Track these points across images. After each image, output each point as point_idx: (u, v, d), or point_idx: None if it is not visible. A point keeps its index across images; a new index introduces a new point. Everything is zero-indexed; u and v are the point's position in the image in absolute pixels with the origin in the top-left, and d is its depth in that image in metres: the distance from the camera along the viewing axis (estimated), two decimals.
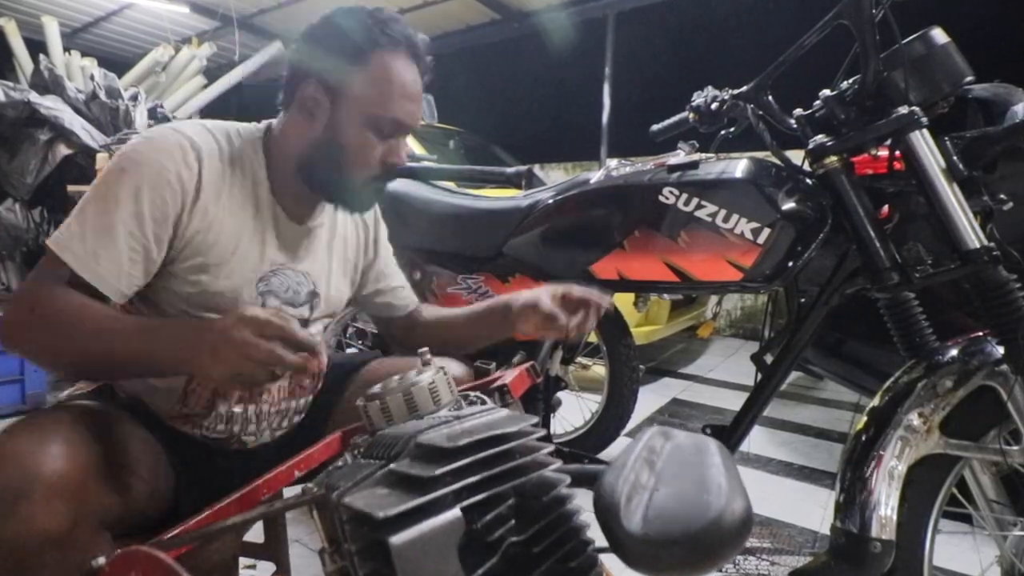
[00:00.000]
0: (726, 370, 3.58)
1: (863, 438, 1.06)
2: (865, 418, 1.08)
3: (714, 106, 1.31)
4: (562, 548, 0.60)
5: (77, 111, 3.40)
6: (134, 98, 3.60)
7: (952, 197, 1.03)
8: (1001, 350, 1.01)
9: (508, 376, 0.91)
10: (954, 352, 1.06)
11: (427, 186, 1.82)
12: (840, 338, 1.93)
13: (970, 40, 1.16)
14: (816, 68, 1.24)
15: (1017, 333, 0.97)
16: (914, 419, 1.03)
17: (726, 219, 1.21)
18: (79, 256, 0.79)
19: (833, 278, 1.20)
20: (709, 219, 1.22)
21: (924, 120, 1.05)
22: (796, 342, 1.24)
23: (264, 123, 0.99)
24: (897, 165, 1.12)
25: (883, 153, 1.13)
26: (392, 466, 0.57)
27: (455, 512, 0.53)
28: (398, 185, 1.81)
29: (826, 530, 1.16)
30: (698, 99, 1.35)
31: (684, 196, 1.25)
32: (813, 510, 1.88)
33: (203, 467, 0.94)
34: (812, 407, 2.89)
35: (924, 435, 1.03)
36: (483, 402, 0.77)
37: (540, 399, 1.63)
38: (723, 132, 1.36)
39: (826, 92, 1.15)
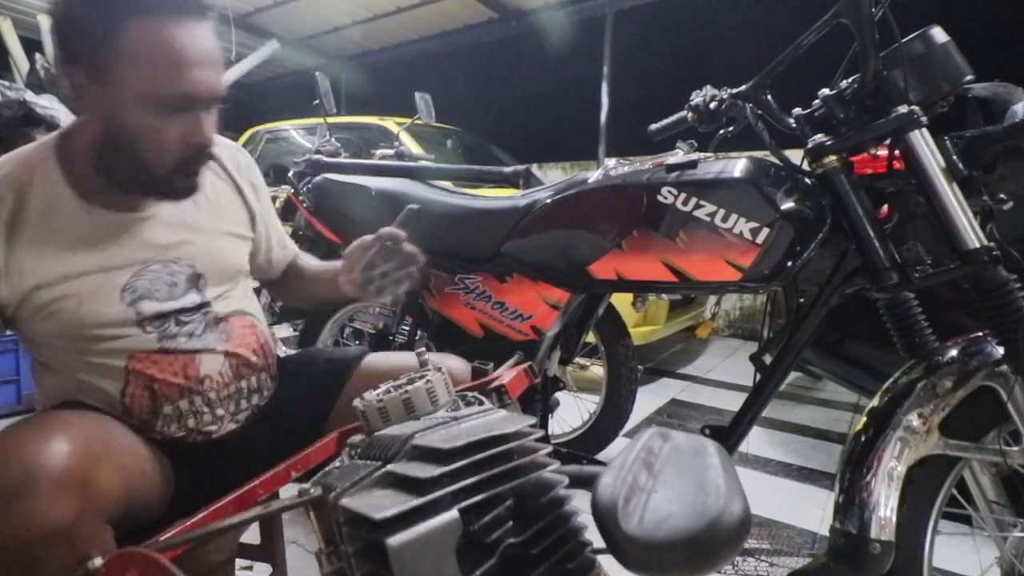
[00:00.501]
0: (725, 370, 3.58)
1: (862, 439, 1.06)
2: (864, 419, 1.08)
3: (713, 105, 1.31)
4: (560, 549, 0.59)
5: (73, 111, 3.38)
6: None
7: (952, 197, 1.03)
8: (1001, 350, 1.01)
9: (506, 376, 0.91)
10: (954, 352, 1.06)
11: (424, 186, 1.82)
12: (839, 338, 1.93)
13: (970, 39, 1.16)
14: (815, 67, 1.23)
15: (1017, 333, 0.97)
16: (914, 420, 1.03)
17: (725, 219, 1.20)
18: None
19: (832, 278, 1.20)
20: (708, 219, 1.22)
21: (924, 119, 1.04)
22: (795, 342, 1.23)
23: (56, 132, 0.90)
24: (896, 165, 1.11)
25: (882, 152, 1.13)
26: (389, 467, 0.57)
27: (452, 513, 0.53)
28: (395, 185, 1.81)
29: (825, 531, 1.16)
30: (697, 98, 1.35)
31: (683, 196, 1.25)
32: (812, 511, 1.88)
33: (185, 464, 0.93)
34: (811, 408, 2.89)
35: (924, 436, 1.03)
36: (481, 403, 0.77)
37: (538, 399, 1.62)
38: (722, 131, 1.35)
39: (825, 91, 1.14)
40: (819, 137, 1.14)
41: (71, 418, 0.78)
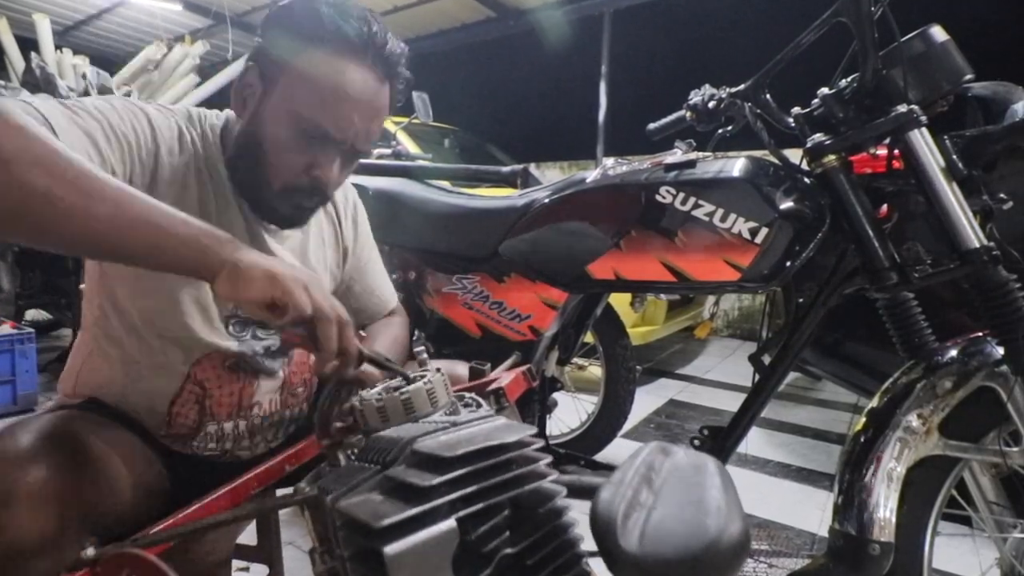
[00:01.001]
0: (723, 371, 3.58)
1: (862, 439, 1.06)
2: (864, 419, 1.08)
3: (711, 104, 1.30)
4: (556, 560, 0.59)
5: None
6: (127, 96, 3.58)
7: (951, 196, 1.02)
8: (1001, 350, 1.00)
9: (505, 379, 0.90)
10: (953, 353, 1.05)
11: (422, 185, 1.81)
12: (838, 338, 1.93)
13: (969, 38, 1.16)
14: (814, 66, 1.23)
15: (1017, 333, 0.97)
16: (913, 420, 1.03)
17: (723, 218, 1.20)
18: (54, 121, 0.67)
19: (831, 278, 1.19)
20: (706, 218, 1.21)
21: (923, 119, 1.04)
22: (794, 342, 1.23)
23: (212, 118, 0.90)
24: (896, 164, 1.11)
25: (882, 152, 1.13)
26: (388, 472, 0.57)
27: (450, 523, 0.53)
28: (392, 184, 1.80)
29: (824, 532, 1.16)
30: (695, 97, 1.34)
31: (681, 195, 1.24)
32: (811, 512, 1.88)
33: (195, 477, 0.92)
34: (810, 408, 2.89)
35: (923, 436, 1.02)
36: (479, 404, 0.76)
37: (536, 400, 1.62)
38: (720, 131, 1.35)
39: (824, 90, 1.14)
40: (818, 136, 1.14)
41: (62, 426, 0.76)
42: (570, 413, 2.25)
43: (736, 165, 1.22)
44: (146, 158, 0.79)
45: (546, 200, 1.47)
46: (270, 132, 0.82)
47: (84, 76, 3.59)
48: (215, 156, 0.87)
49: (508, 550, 0.57)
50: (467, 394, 0.79)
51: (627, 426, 2.27)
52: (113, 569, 0.58)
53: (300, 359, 1.02)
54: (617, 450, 2.22)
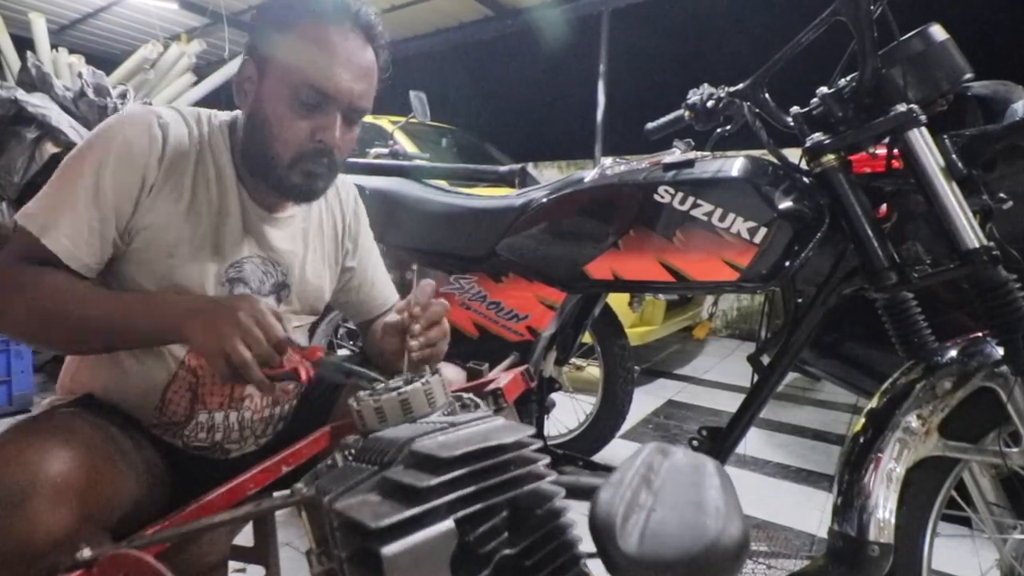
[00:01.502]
0: (722, 371, 3.58)
1: (861, 440, 1.06)
2: (863, 420, 1.08)
3: (710, 104, 1.30)
4: (555, 562, 0.59)
5: (65, 109, 3.36)
6: (122, 96, 3.56)
7: (951, 196, 1.02)
8: (1000, 351, 1.00)
9: (502, 379, 0.90)
10: (953, 353, 1.05)
11: (419, 185, 1.81)
12: (838, 339, 1.92)
13: (969, 37, 1.15)
14: (813, 65, 1.22)
15: (1017, 333, 0.97)
16: (913, 421, 1.03)
17: (722, 218, 1.19)
18: (42, 225, 0.80)
19: (830, 278, 1.19)
20: (705, 218, 1.21)
21: (922, 118, 1.03)
22: (793, 343, 1.23)
23: (235, 112, 0.96)
24: (895, 164, 1.11)
25: (881, 151, 1.12)
26: (385, 473, 0.57)
27: (448, 524, 0.53)
28: (389, 184, 1.80)
29: (823, 533, 1.15)
30: (694, 97, 1.33)
31: (680, 195, 1.24)
32: (810, 513, 1.87)
33: (188, 476, 0.92)
34: (809, 409, 2.88)
35: (923, 437, 1.02)
36: (477, 405, 0.76)
37: (534, 401, 1.61)
38: (719, 130, 1.34)
39: (823, 89, 1.13)
40: (817, 136, 1.13)
41: (73, 423, 0.77)
42: (568, 414, 2.24)
43: (735, 165, 1.22)
44: (148, 180, 0.85)
45: (544, 200, 1.47)
46: (270, 110, 0.86)
47: (80, 75, 3.57)
48: (220, 147, 0.92)
49: (507, 551, 0.56)
50: (465, 395, 0.78)
51: (625, 427, 2.26)
52: (110, 570, 0.58)
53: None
54: (615, 451, 2.22)
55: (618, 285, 1.37)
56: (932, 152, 1.03)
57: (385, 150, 3.23)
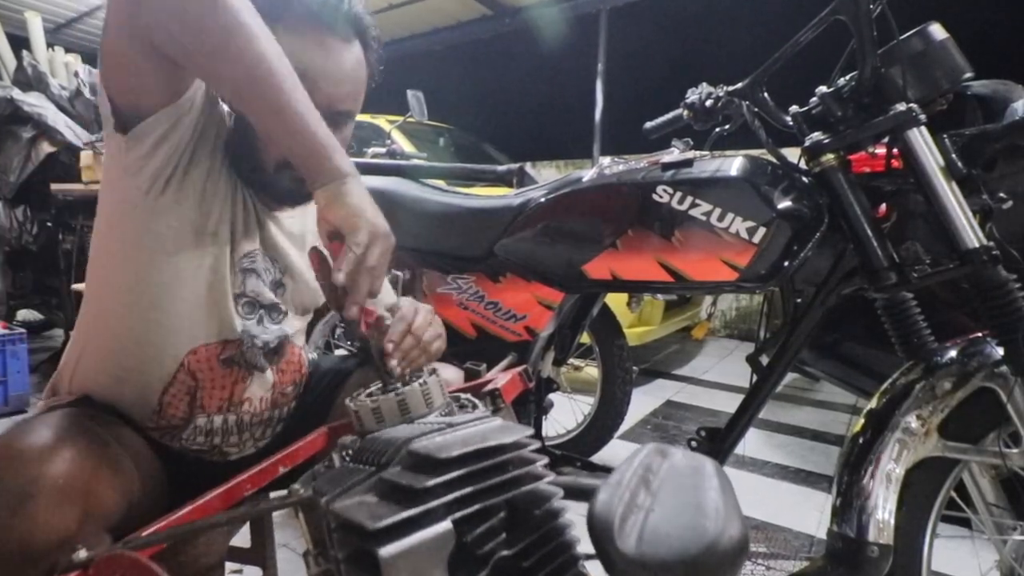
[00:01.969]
0: (721, 372, 3.57)
1: (860, 441, 1.05)
2: (862, 420, 1.07)
3: (709, 103, 1.29)
4: (553, 563, 0.59)
5: (61, 108, 3.35)
6: None
7: (951, 195, 1.02)
8: (1000, 351, 1.00)
9: (500, 380, 0.89)
10: (953, 353, 1.05)
11: (416, 184, 1.80)
12: (837, 339, 1.92)
13: (969, 36, 1.15)
14: (813, 64, 1.22)
15: (1017, 334, 0.96)
16: (912, 421, 1.02)
17: (721, 218, 1.19)
18: None
19: (830, 278, 1.18)
20: (703, 218, 1.21)
21: (922, 117, 1.03)
22: (792, 343, 1.22)
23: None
24: (895, 163, 1.11)
25: (881, 151, 1.12)
26: (383, 474, 0.57)
27: (446, 524, 0.53)
28: (386, 183, 1.79)
29: (822, 534, 1.15)
30: (692, 96, 1.33)
31: (678, 195, 1.23)
32: (809, 514, 1.87)
33: (186, 478, 0.91)
34: (808, 409, 2.88)
35: (922, 438, 1.02)
36: (474, 406, 0.76)
37: (532, 401, 1.61)
38: (718, 129, 1.34)
39: (823, 89, 1.13)
40: (816, 135, 1.13)
41: (74, 423, 0.76)
42: (566, 414, 2.24)
43: (734, 164, 1.22)
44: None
45: (542, 199, 1.46)
46: None
47: (76, 74, 3.57)
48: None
49: (504, 552, 0.56)
50: (463, 395, 0.78)
51: (624, 427, 2.26)
52: (106, 571, 0.58)
53: (292, 359, 1.02)
54: (614, 451, 2.21)
55: (616, 285, 1.37)
56: (932, 151, 1.03)
57: (382, 149, 3.22)
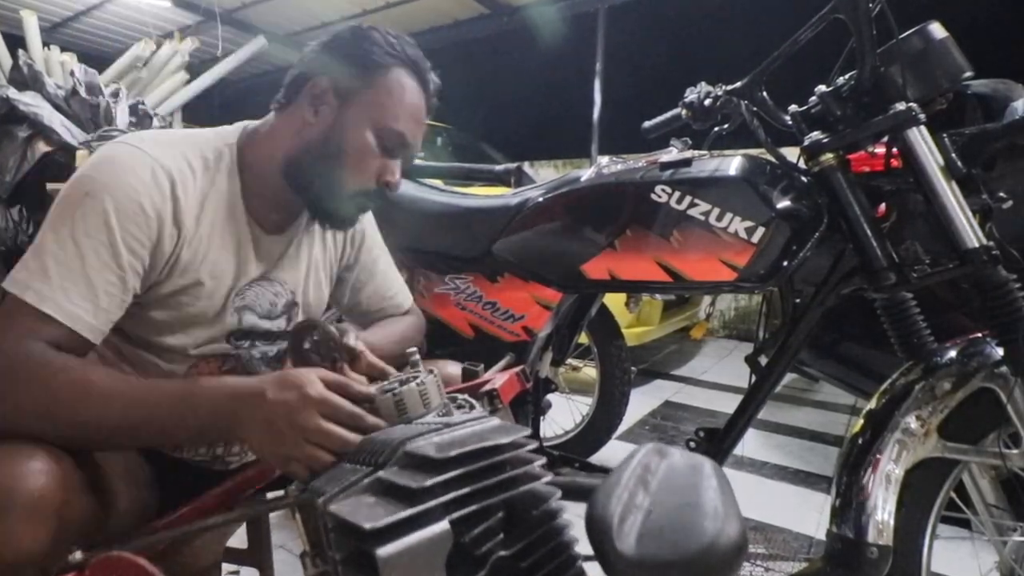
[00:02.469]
0: (720, 372, 3.58)
1: (860, 441, 1.05)
2: (862, 421, 1.07)
3: (707, 102, 1.29)
4: (551, 563, 0.59)
5: (57, 107, 3.34)
6: (115, 94, 3.55)
7: (950, 195, 1.01)
8: (1000, 351, 0.99)
9: (498, 380, 0.89)
10: (952, 353, 1.05)
11: (414, 184, 1.79)
12: (836, 339, 1.93)
13: (969, 35, 1.15)
14: (812, 64, 1.22)
15: (1017, 334, 0.96)
16: (912, 422, 1.02)
17: (719, 218, 1.19)
18: (44, 295, 0.71)
19: (829, 278, 1.18)
20: (702, 218, 1.20)
21: (922, 116, 1.03)
22: (791, 343, 1.22)
23: (238, 126, 0.94)
24: (894, 163, 1.10)
25: (880, 150, 1.12)
26: (380, 474, 0.57)
27: (443, 525, 0.53)
28: None
29: (822, 535, 1.15)
30: (691, 95, 1.33)
31: (677, 194, 1.23)
32: (809, 515, 1.87)
33: (185, 482, 0.91)
34: (808, 410, 2.88)
35: (922, 438, 1.01)
36: (472, 406, 0.75)
37: (530, 402, 1.60)
38: (716, 129, 1.33)
39: (822, 88, 1.13)
40: (816, 135, 1.13)
41: None
42: (564, 415, 2.24)
43: (732, 164, 1.21)
44: (163, 233, 0.81)
45: (540, 199, 1.46)
46: (349, 141, 0.88)
47: (72, 74, 3.55)
48: (226, 175, 0.89)
49: (502, 552, 0.56)
50: (460, 395, 0.78)
51: (622, 428, 2.26)
52: (101, 573, 0.57)
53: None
54: (612, 452, 2.21)
55: (615, 285, 1.36)
56: (931, 151, 1.02)
57: None
